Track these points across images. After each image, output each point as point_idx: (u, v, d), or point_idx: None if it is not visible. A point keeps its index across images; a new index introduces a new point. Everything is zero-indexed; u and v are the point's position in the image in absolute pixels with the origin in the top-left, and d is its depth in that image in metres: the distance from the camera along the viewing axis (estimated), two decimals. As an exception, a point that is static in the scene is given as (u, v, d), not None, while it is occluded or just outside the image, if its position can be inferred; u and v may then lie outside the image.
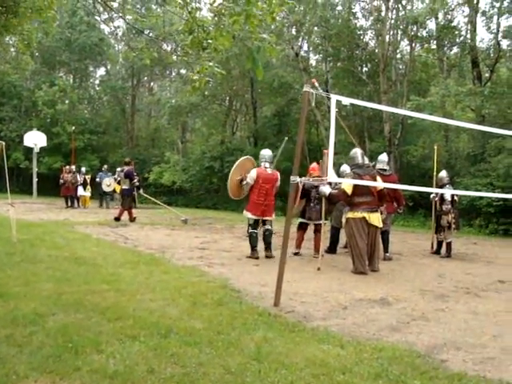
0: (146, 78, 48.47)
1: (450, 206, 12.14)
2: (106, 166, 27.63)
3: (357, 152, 10.04)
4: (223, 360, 4.33)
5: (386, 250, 11.52)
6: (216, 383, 3.88)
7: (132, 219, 17.90)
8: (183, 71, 44.40)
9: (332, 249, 12.24)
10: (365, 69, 31.13)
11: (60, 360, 4.17)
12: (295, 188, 7.00)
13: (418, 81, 30.20)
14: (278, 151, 11.79)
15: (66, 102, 40.88)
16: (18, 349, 4.38)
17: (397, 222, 20.92)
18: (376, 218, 9.65)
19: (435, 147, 13.94)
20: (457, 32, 26.16)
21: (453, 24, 26.10)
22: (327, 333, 5.27)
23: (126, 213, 17.90)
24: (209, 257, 10.50)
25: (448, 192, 11.98)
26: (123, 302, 6.07)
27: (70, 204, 25.72)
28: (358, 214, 9.50)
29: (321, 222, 11.10)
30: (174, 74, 46.32)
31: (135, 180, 17.92)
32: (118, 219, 17.51)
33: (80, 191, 26.22)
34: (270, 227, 11.03)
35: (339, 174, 11.71)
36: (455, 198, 12.58)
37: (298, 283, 8.00)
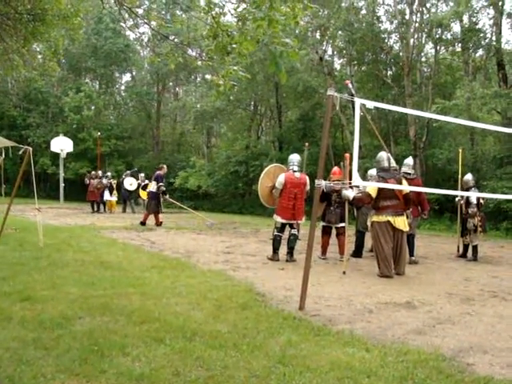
0: (171, 84, 48.71)
1: (475, 209, 11.99)
2: (142, 175, 27.20)
3: (383, 156, 10.00)
4: (248, 363, 4.34)
5: (411, 253, 11.41)
6: (241, 386, 3.89)
7: (158, 223, 17.98)
8: (208, 76, 44.65)
9: (357, 253, 12.19)
10: (389, 72, 30.94)
11: (86, 363, 4.21)
12: (320, 192, 7.02)
13: (443, 84, 29.91)
14: (304, 156, 11.78)
15: (92, 107, 41.31)
16: (45, 352, 4.43)
17: (423, 225, 20.76)
18: (402, 222, 9.57)
19: (460, 150, 13.80)
20: (482, 34, 25.85)
21: (478, 26, 25.80)
22: (352, 336, 5.25)
23: (152, 217, 18.00)
24: (234, 261, 10.53)
25: (474, 195, 11.90)
26: (149, 306, 6.10)
27: (96, 209, 25.90)
28: (383, 218, 9.46)
29: (342, 224, 11.14)
30: (198, 79, 46.54)
31: (161, 184, 17.99)
32: (143, 223, 17.63)
33: (106, 196, 26.36)
34: (296, 232, 11.04)
35: (366, 178, 11.69)
36: (481, 201, 12.48)
37: (323, 287, 7.99)
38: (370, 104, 6.69)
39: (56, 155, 34.98)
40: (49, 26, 11.83)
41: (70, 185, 36.75)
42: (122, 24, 40.37)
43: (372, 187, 9.47)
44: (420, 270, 10.33)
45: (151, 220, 18.01)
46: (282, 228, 11.07)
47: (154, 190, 18.00)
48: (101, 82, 47.38)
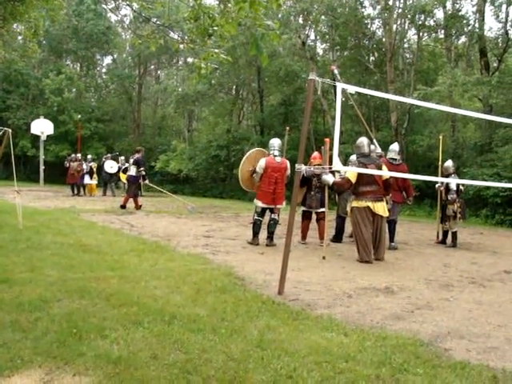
0: (152, 67, 48.53)
1: (455, 196, 12.09)
2: (122, 158, 26.98)
3: (363, 141, 10.01)
4: (226, 347, 4.34)
5: (391, 239, 11.53)
6: (219, 370, 3.88)
7: (138, 207, 17.93)
8: (190, 60, 44.43)
9: (337, 238, 12.26)
10: (372, 58, 31.01)
11: (64, 345, 4.19)
12: (300, 177, 7.03)
13: (426, 70, 30.02)
14: (285, 141, 11.82)
15: (73, 90, 41.00)
16: (23, 334, 4.39)
17: (403, 211, 20.85)
18: (381, 207, 9.62)
19: (440, 137, 13.85)
20: (465, 21, 25.92)
21: (461, 13, 25.88)
22: (331, 321, 5.27)
23: (132, 200, 17.94)
24: (214, 245, 10.52)
25: (454, 181, 11.99)
26: (128, 289, 6.08)
27: (75, 192, 25.65)
28: (363, 203, 9.50)
29: (323, 210, 11.20)
30: (180, 62, 46.32)
31: (142, 168, 17.91)
32: (123, 207, 17.57)
33: (86, 179, 26.09)
34: (276, 217, 11.11)
35: (347, 164, 11.73)
36: (461, 187, 12.59)
37: (302, 272, 8.01)
38: (352, 89, 6.67)
39: (36, 138, 34.64)
40: (28, 6, 11.67)
41: (50, 167, 36.45)
42: (103, 6, 40.11)
43: (352, 172, 9.47)
44: (399, 256, 10.39)
45: (131, 203, 17.94)
46: (262, 212, 11.11)
47: (134, 173, 17.92)
48: (82, 65, 47.02)
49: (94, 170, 26.80)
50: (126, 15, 44.09)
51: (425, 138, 25.26)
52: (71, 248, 8.83)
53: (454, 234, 12.42)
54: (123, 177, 25.21)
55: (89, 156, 27.91)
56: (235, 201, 28.32)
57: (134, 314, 5.08)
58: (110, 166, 26.35)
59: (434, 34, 29.15)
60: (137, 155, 18.24)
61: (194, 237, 11.62)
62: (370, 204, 9.48)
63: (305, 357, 4.21)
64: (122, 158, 27.00)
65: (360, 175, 9.33)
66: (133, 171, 18.04)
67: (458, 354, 4.51)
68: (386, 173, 9.59)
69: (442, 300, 6.59)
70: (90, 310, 5.16)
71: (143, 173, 18.01)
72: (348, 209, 10.38)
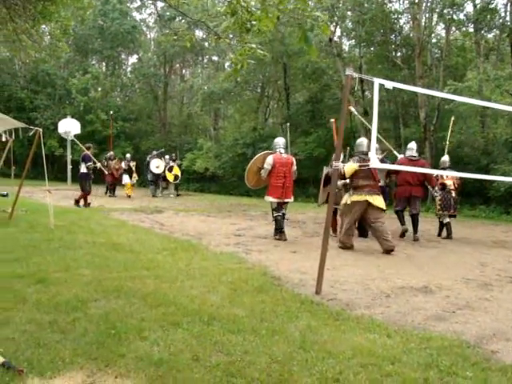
0: (178, 65, 48.52)
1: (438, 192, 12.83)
2: (167, 157, 26.13)
3: (363, 141, 10.87)
4: (268, 348, 4.26)
5: (415, 231, 12.26)
6: (263, 372, 3.80)
7: (86, 204, 17.44)
8: (215, 58, 44.45)
9: (363, 232, 12.47)
10: (399, 54, 30.68)
11: (104, 346, 4.14)
12: (336, 174, 6.94)
13: (455, 65, 29.62)
14: (288, 138, 12.59)
15: (99, 89, 41.15)
16: (62, 335, 4.36)
17: (432, 208, 20.55)
18: (379, 200, 10.25)
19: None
20: (496, 14, 25.46)
21: (491, 6, 25.41)
22: (372, 321, 5.17)
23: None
24: (246, 243, 10.46)
25: (449, 173, 12.36)
26: (164, 289, 6.03)
27: (111, 193, 24.60)
28: (362, 197, 10.16)
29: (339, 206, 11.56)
30: (205, 60, 46.34)
31: (89, 163, 17.54)
32: (79, 203, 17.32)
33: (125, 179, 24.67)
34: (284, 211, 11.54)
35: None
36: (453, 180, 13.01)
37: (338, 270, 7.91)
38: (389, 84, 6.54)
39: (63, 137, 34.81)
40: (58, 5, 11.70)
41: (77, 167, 36.61)
42: (128, 5, 40.30)
43: (349, 167, 10.32)
44: (433, 254, 10.26)
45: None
46: (278, 207, 11.45)
47: (85, 170, 17.59)
48: (107, 64, 47.19)
49: (134, 169, 25.29)
50: (151, 14, 44.25)
51: (455, 135, 24.91)
52: (103, 247, 8.83)
53: (446, 226, 12.87)
54: (169, 176, 25.03)
55: (127, 155, 26.84)
56: (262, 199, 28.22)
57: (171, 315, 5.02)
58: (156, 166, 25.10)
59: (463, 28, 28.71)
60: (84, 152, 17.87)
61: (224, 235, 11.58)
62: (368, 198, 10.13)
63: (350, 359, 4.11)
64: (167, 156, 26.35)
65: (358, 170, 10.15)
66: (83, 168, 17.69)
67: (506, 357, 4.37)
68: (426, 170, 9.82)
69: (482, 300, 6.44)
70: (127, 311, 5.11)
71: (92, 166, 17.48)
72: (343, 201, 10.76)
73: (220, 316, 5.04)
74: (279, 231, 11.41)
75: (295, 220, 11.03)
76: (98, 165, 17.52)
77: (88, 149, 18.01)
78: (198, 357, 4.02)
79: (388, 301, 6.17)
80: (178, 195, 27.01)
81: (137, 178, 26.00)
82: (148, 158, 26.18)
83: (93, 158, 17.60)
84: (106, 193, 24.75)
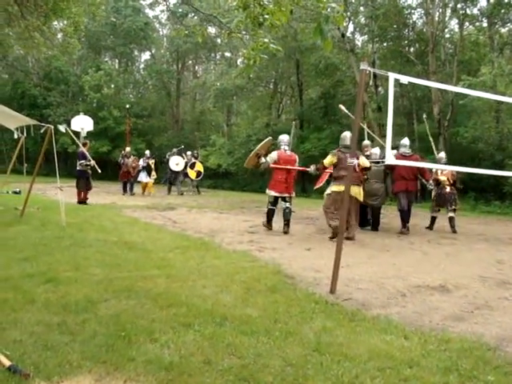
0: (190, 62, 48.52)
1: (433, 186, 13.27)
2: (189, 153, 25.69)
3: (346, 135, 11.22)
4: (282, 351, 4.13)
5: (403, 225, 12.65)
6: (277, 376, 3.67)
7: (82, 201, 17.39)
8: (228, 54, 44.36)
9: (375, 226, 13.09)
10: (412, 49, 30.47)
11: (113, 349, 4.02)
12: (352, 170, 6.87)
13: (468, 60, 29.36)
14: (291, 135, 13.18)
15: (112, 86, 41.21)
16: (71, 337, 4.25)
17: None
18: (358, 191, 10.88)
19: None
20: (510, 8, 25.17)
21: (506, 0, 25.12)
22: (389, 322, 5.02)
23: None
24: (259, 241, 10.32)
25: (446, 168, 12.55)
26: (175, 289, 5.91)
27: (127, 192, 23.67)
28: (342, 187, 10.19)
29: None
30: (218, 56, 46.27)
31: (82, 161, 17.37)
32: (80, 202, 17.20)
33: (142, 177, 23.94)
34: (289, 205, 11.96)
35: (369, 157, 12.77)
36: (449, 177, 13.30)
37: (352, 268, 7.75)
38: (405, 79, 6.39)
39: (76, 134, 34.77)
40: (69, 2, 11.64)
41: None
42: (141, 1, 40.23)
43: (329, 159, 11.11)
44: (450, 251, 10.08)
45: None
46: (274, 202, 12.04)
47: (80, 168, 17.47)
48: (120, 61, 47.35)
49: (153, 166, 24.34)
50: (163, 11, 44.20)
51: (469, 130, 24.64)
52: (115, 245, 8.73)
53: (449, 220, 13.22)
54: (191, 173, 24.81)
55: (147, 152, 25.72)
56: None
57: (183, 316, 4.90)
58: (176, 163, 24.65)
59: (477, 23, 28.43)
60: (80, 149, 17.71)
61: (237, 233, 11.47)
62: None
63: (366, 362, 3.97)
64: (189, 152, 25.88)
65: (339, 161, 10.86)
66: (78, 166, 17.53)
67: (529, 361, 4.20)
68: (432, 165, 9.75)
69: (502, 299, 6.27)
70: (137, 311, 5.00)
71: (85, 163, 17.32)
72: (326, 193, 11.55)
73: (232, 317, 4.92)
74: (269, 222, 12.12)
75: (308, 216, 10.89)
76: (92, 162, 17.20)
77: (84, 145, 17.92)
78: (209, 360, 3.90)
79: (404, 300, 6.02)
80: (198, 193, 26.53)
81: (155, 176, 24.96)
82: (167, 156, 25.65)
83: (88, 155, 17.31)
84: (125, 193, 23.52)
